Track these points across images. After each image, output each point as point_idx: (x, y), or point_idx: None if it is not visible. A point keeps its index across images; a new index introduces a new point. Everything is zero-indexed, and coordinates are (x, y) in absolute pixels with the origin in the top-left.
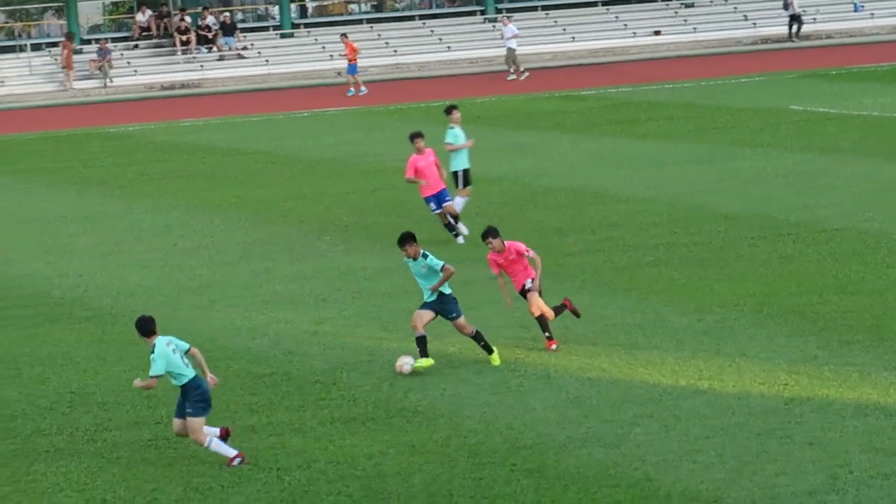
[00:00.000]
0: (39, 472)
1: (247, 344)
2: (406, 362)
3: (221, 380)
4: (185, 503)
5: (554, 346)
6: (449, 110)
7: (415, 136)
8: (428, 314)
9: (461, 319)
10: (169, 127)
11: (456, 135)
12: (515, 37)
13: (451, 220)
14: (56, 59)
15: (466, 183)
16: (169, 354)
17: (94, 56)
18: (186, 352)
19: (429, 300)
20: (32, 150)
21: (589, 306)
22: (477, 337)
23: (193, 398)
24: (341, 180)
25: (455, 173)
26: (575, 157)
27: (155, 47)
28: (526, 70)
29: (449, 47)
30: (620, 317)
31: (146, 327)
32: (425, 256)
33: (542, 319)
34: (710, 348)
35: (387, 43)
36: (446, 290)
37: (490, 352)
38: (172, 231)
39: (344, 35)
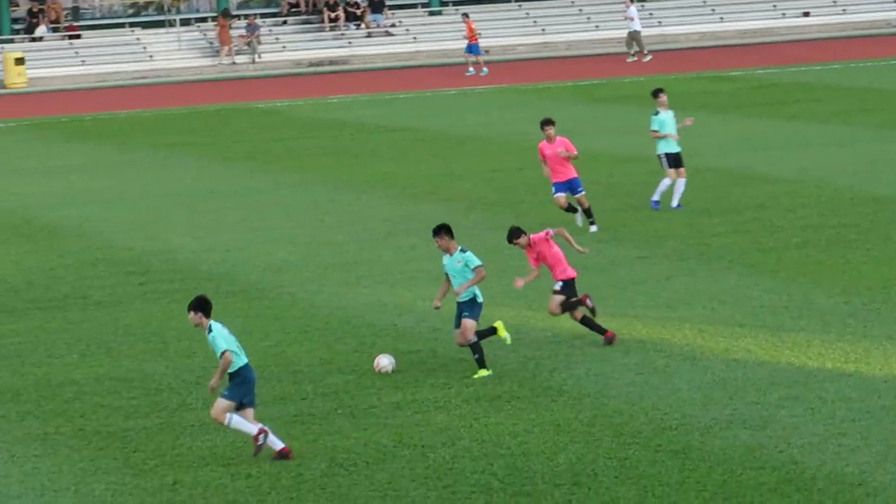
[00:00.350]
0: (185, 446)
1: (393, 321)
2: (385, 357)
3: (366, 356)
4: (329, 478)
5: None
6: (656, 93)
7: (544, 124)
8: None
9: (470, 322)
10: (317, 103)
11: (661, 121)
12: (631, 19)
13: (581, 210)
14: (205, 35)
15: (676, 165)
16: (226, 333)
17: (243, 31)
18: None
19: (460, 301)
20: (181, 124)
21: (735, 287)
22: (475, 346)
23: (236, 381)
24: (488, 158)
25: (658, 156)
26: (722, 138)
27: (303, 23)
28: (649, 53)
29: (597, 26)
30: (767, 298)
31: (208, 308)
32: (464, 251)
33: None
34: (856, 331)
35: (535, 21)
36: (479, 297)
37: (482, 366)
38: (319, 207)
39: (465, 15)
